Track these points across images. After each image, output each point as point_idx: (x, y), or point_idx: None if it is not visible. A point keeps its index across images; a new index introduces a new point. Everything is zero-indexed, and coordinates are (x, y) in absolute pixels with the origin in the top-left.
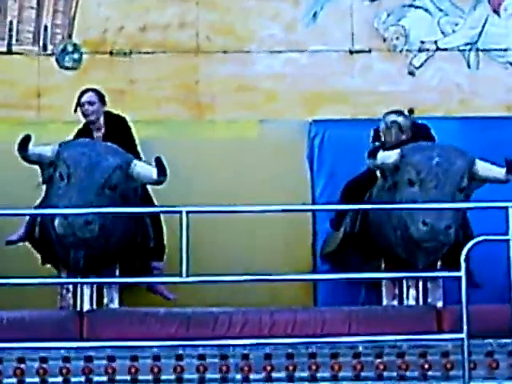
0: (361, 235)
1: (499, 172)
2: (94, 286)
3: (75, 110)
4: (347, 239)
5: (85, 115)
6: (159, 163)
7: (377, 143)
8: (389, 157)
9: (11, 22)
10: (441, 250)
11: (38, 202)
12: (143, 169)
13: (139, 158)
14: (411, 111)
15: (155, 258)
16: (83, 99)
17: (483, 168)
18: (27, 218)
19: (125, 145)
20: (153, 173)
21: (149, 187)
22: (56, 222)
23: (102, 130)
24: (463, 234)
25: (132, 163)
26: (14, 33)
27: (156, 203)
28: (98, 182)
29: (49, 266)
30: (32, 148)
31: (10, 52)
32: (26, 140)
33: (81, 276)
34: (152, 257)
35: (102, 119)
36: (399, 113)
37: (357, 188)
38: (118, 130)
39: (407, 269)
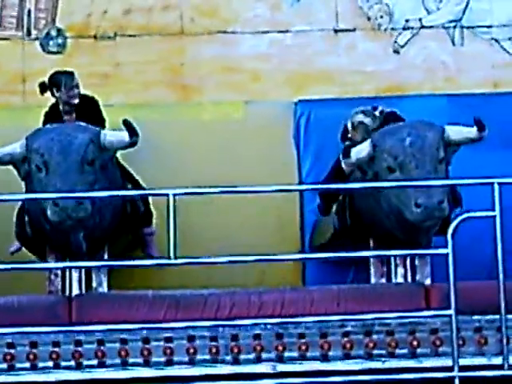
0: (353, 227)
1: (470, 131)
2: (83, 270)
3: (44, 91)
4: (339, 234)
5: (71, 98)
6: (128, 125)
7: (347, 142)
8: (361, 151)
9: None
10: (438, 223)
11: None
12: (114, 136)
13: None
14: (381, 112)
15: (145, 225)
16: (73, 82)
17: (454, 132)
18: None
19: (93, 123)
20: (124, 136)
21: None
22: (48, 211)
23: (73, 114)
24: (452, 198)
25: (101, 134)
26: None
27: (132, 171)
28: (75, 161)
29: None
30: (1, 150)
31: None
32: None
33: (69, 260)
34: (142, 224)
35: None
36: (369, 112)
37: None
38: (88, 111)
39: (395, 247)
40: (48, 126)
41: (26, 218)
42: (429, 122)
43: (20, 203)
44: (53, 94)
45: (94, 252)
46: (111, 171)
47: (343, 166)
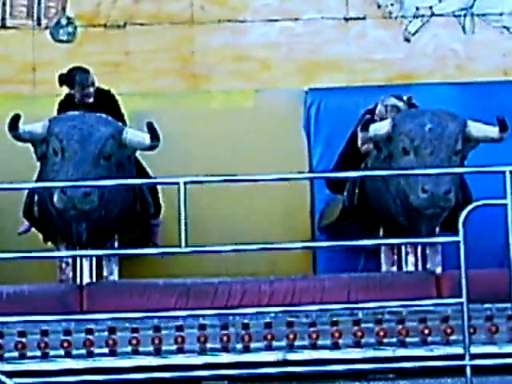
0: (360, 208)
1: (492, 131)
2: (94, 258)
3: (63, 84)
4: (346, 212)
5: (85, 96)
6: (151, 128)
7: (367, 116)
8: (381, 128)
9: None
10: (442, 215)
11: (33, 179)
12: (136, 136)
13: None
14: (410, 99)
15: (153, 217)
16: (88, 81)
17: (476, 128)
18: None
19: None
20: (145, 138)
21: (141, 159)
22: (55, 197)
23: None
24: (462, 197)
25: (124, 131)
26: (8, 7)
27: (150, 173)
28: (92, 153)
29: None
30: (23, 126)
31: (4, 26)
32: (16, 119)
33: (80, 249)
34: (150, 217)
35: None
36: (399, 98)
37: (352, 155)
38: (105, 105)
39: (406, 235)
40: (73, 112)
41: (36, 198)
42: (453, 113)
43: (33, 181)
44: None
45: (97, 244)
46: (127, 170)
47: (359, 140)
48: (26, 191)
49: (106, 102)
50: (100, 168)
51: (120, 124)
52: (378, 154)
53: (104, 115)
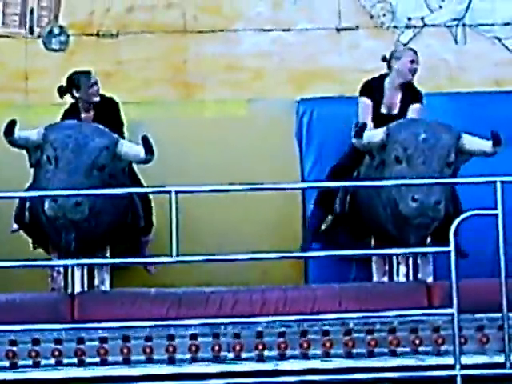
0: (351, 215)
1: (485, 145)
2: (85, 267)
3: (64, 95)
4: (338, 219)
5: (91, 96)
6: (146, 142)
7: (361, 122)
8: (375, 136)
9: None
10: (431, 225)
11: (26, 186)
12: (130, 148)
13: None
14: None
15: (143, 234)
16: (92, 80)
17: (469, 141)
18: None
19: (112, 125)
20: (140, 152)
21: (135, 167)
22: (46, 205)
23: (91, 113)
24: (453, 209)
25: (119, 143)
26: (0, 16)
27: (144, 183)
28: (85, 163)
29: (40, 250)
30: (18, 132)
31: None
32: (12, 124)
33: (71, 258)
34: (140, 233)
35: None
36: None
37: (342, 171)
38: (107, 112)
39: (397, 245)
40: (69, 121)
41: (28, 205)
42: (447, 125)
43: (25, 187)
44: (72, 95)
45: (88, 253)
46: (120, 182)
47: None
48: (17, 203)
49: (107, 109)
50: (93, 179)
51: (116, 136)
52: (371, 162)
53: (100, 126)
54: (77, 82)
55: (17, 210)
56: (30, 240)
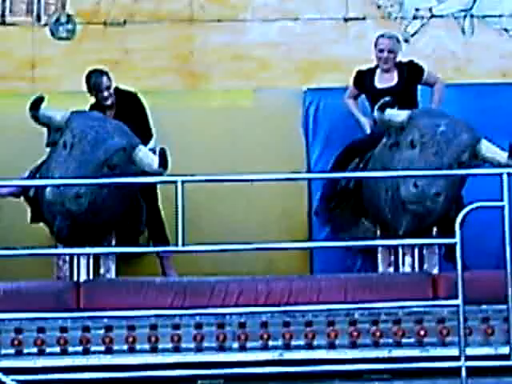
0: (354, 192)
1: (501, 155)
2: (91, 256)
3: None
4: (340, 195)
5: (104, 99)
6: (162, 155)
7: (386, 98)
8: (397, 115)
9: None
10: (426, 217)
11: (39, 162)
12: (146, 156)
13: (151, 135)
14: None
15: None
16: (103, 85)
17: (487, 148)
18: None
19: (137, 122)
20: (154, 162)
21: None
22: (48, 188)
23: (113, 110)
24: (456, 208)
25: (137, 148)
26: (8, 4)
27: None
28: (98, 158)
29: (38, 224)
30: (44, 109)
31: (3, 23)
32: (39, 100)
33: (77, 246)
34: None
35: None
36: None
37: (360, 147)
38: (129, 108)
39: (403, 236)
40: (96, 113)
41: (37, 176)
42: (471, 127)
43: (40, 163)
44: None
45: (77, 241)
46: (128, 186)
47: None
48: (28, 171)
49: (130, 106)
50: (102, 175)
51: (137, 141)
52: (387, 140)
53: (125, 127)
54: (88, 83)
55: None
56: (29, 214)
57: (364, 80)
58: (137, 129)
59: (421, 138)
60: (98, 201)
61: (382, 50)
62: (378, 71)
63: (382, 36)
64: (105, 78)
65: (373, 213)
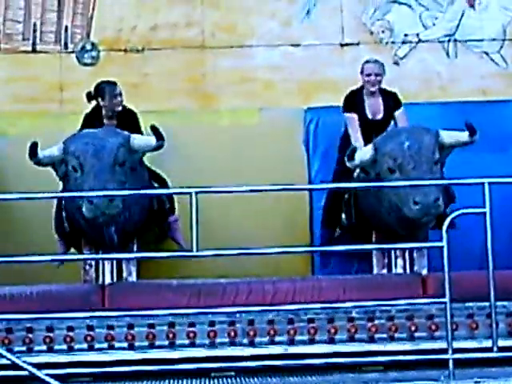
0: (358, 225)
1: (462, 136)
2: (114, 261)
3: (91, 100)
4: (347, 230)
5: (114, 105)
6: (155, 130)
7: (352, 147)
8: (365, 154)
9: (35, 24)
10: (434, 219)
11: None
12: (142, 140)
13: None
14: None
15: (170, 214)
16: (116, 91)
17: (448, 136)
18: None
19: (132, 132)
20: (151, 140)
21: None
22: (83, 208)
23: (115, 120)
24: (446, 196)
25: (131, 138)
26: (38, 33)
27: (162, 174)
28: (108, 163)
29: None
30: (41, 152)
31: (34, 51)
32: (34, 147)
33: (102, 252)
34: (168, 214)
35: None
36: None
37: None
38: (128, 122)
39: (395, 241)
40: (83, 131)
41: (64, 214)
42: (425, 127)
43: (56, 202)
44: (98, 103)
45: (125, 243)
46: (140, 172)
47: (348, 166)
48: (54, 211)
49: (129, 119)
50: (117, 174)
51: (126, 133)
52: (367, 177)
53: (110, 127)
54: (103, 91)
55: (55, 223)
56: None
57: (355, 102)
58: None
59: (394, 161)
60: (127, 198)
61: (369, 74)
62: (366, 97)
63: (368, 62)
64: (116, 86)
65: (387, 233)
